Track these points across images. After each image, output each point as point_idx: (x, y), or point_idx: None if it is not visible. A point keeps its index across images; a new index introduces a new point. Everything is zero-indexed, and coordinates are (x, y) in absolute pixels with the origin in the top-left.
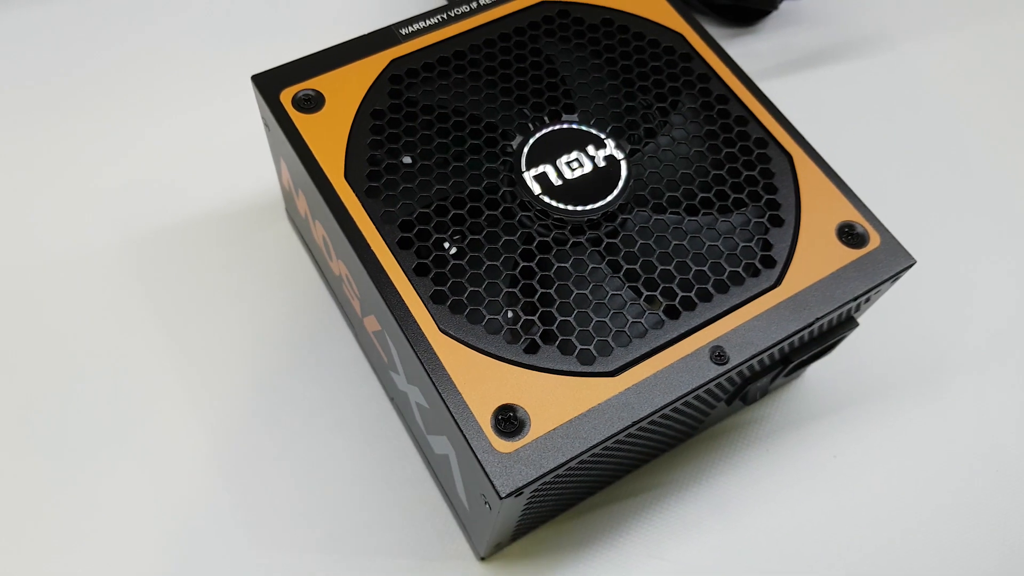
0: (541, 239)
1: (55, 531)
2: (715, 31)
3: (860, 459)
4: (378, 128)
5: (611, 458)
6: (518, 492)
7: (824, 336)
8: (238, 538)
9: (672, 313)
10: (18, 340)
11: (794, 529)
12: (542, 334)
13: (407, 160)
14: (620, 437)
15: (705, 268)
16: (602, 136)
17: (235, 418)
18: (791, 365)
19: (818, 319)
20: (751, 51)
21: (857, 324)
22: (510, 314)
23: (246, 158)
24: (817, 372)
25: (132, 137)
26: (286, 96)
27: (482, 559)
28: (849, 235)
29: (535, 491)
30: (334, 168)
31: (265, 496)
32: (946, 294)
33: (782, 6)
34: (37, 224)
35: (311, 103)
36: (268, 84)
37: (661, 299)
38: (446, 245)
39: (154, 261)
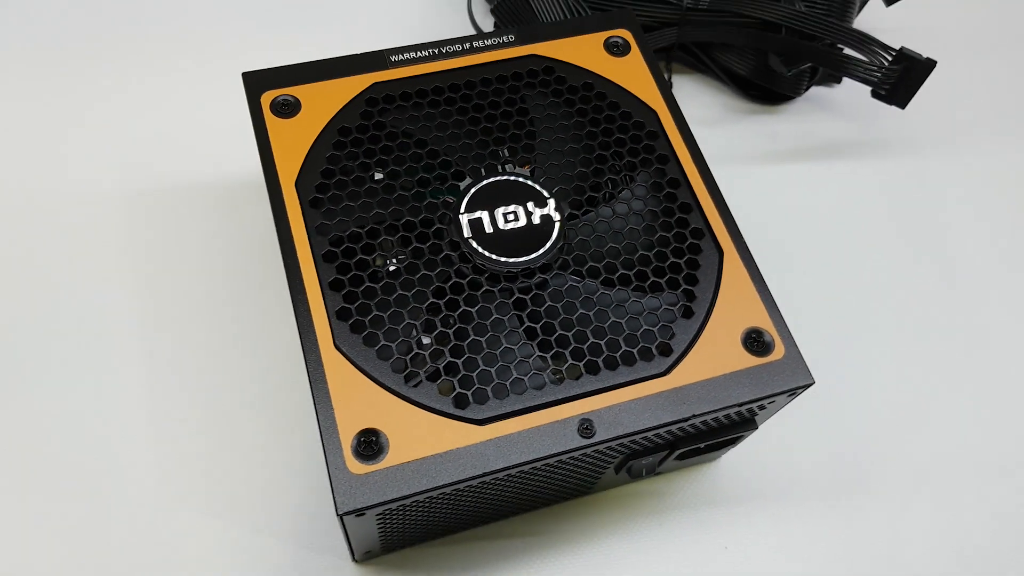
0: (456, 280)
1: None
2: (739, 105)
3: (750, 557)
4: (340, 144)
5: (471, 500)
6: (358, 513)
7: (716, 431)
8: (145, 491)
9: (556, 378)
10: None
11: None
12: (428, 370)
13: (378, 176)
14: (472, 484)
15: (602, 342)
16: (546, 195)
17: (177, 373)
18: (679, 452)
19: (694, 416)
20: (768, 130)
21: (756, 426)
22: (405, 345)
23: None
24: (732, 460)
25: (160, 95)
26: (267, 98)
27: (356, 561)
28: (755, 341)
29: (384, 515)
30: (288, 173)
31: (174, 452)
32: (867, 413)
33: (816, 91)
34: (50, 158)
35: (288, 109)
36: (255, 83)
37: (550, 362)
38: (369, 267)
39: (148, 214)
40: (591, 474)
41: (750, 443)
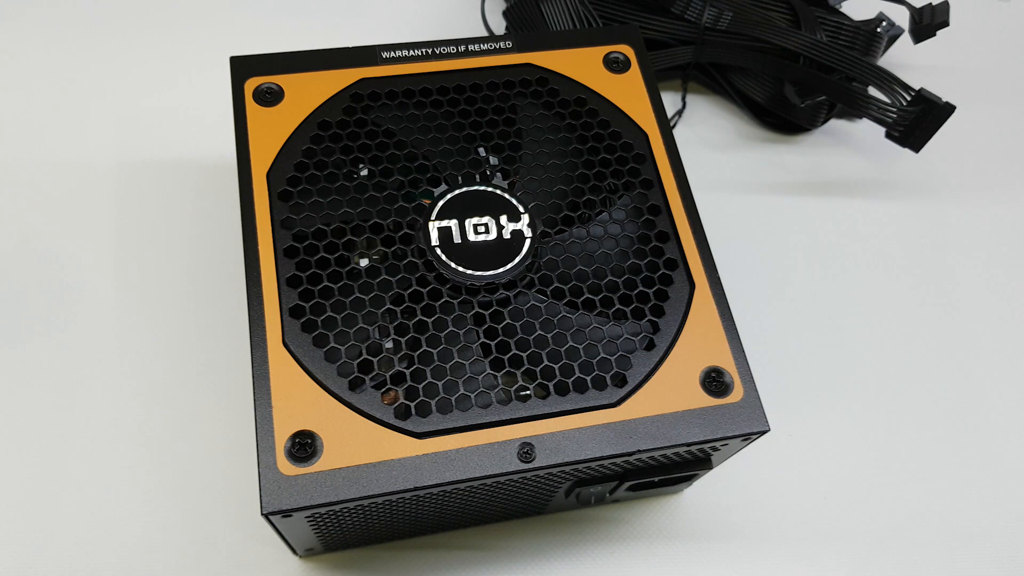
0: (417, 289)
1: None
2: (753, 131)
3: None
4: (318, 138)
5: (411, 511)
6: (284, 514)
7: (668, 467)
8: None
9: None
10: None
11: None
12: (375, 377)
13: (364, 172)
14: (406, 497)
15: (556, 366)
16: (521, 210)
17: (136, 352)
18: (629, 484)
19: (639, 452)
20: (779, 160)
21: (711, 466)
22: (355, 349)
23: None
24: (695, 495)
25: (174, 71)
26: (251, 84)
27: (299, 556)
28: (714, 381)
29: (315, 518)
30: (261, 162)
31: (123, 433)
32: (841, 462)
33: (836, 124)
34: (58, 124)
35: (270, 97)
36: (241, 68)
37: (500, 381)
38: (330, 266)
39: (140, 186)
40: (538, 496)
41: (715, 480)
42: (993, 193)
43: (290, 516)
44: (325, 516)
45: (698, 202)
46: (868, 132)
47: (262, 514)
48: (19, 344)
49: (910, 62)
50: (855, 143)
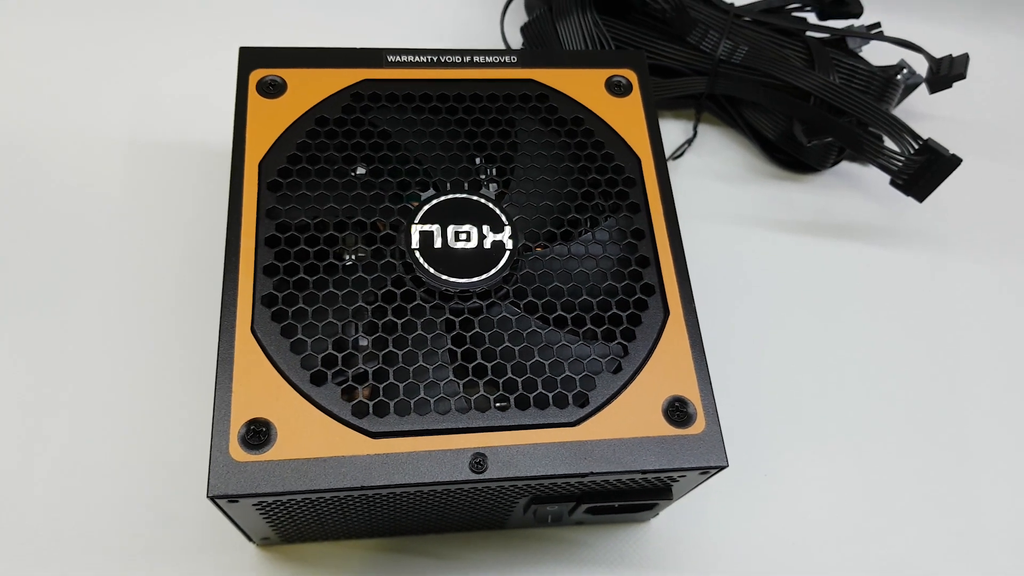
0: (390, 289)
1: None
2: (762, 167)
3: None
4: (314, 133)
5: (364, 510)
6: (231, 499)
7: (626, 494)
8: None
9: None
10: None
11: None
12: (336, 373)
13: (361, 171)
14: (354, 495)
15: (519, 379)
16: (505, 221)
17: (113, 333)
18: (587, 507)
19: (593, 474)
20: (785, 198)
21: (671, 496)
22: (322, 343)
23: None
24: (663, 525)
25: (194, 55)
26: (256, 75)
27: (256, 544)
28: (677, 411)
29: (264, 507)
30: (255, 151)
31: (88, 411)
32: (811, 507)
33: (847, 167)
34: (79, 94)
35: (273, 89)
36: (248, 59)
37: (461, 388)
38: (308, 258)
39: (148, 164)
40: (496, 509)
41: (685, 511)
42: (1000, 251)
43: (236, 502)
44: (274, 506)
45: (698, 232)
46: (878, 177)
47: (208, 496)
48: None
49: (929, 111)
50: (864, 187)
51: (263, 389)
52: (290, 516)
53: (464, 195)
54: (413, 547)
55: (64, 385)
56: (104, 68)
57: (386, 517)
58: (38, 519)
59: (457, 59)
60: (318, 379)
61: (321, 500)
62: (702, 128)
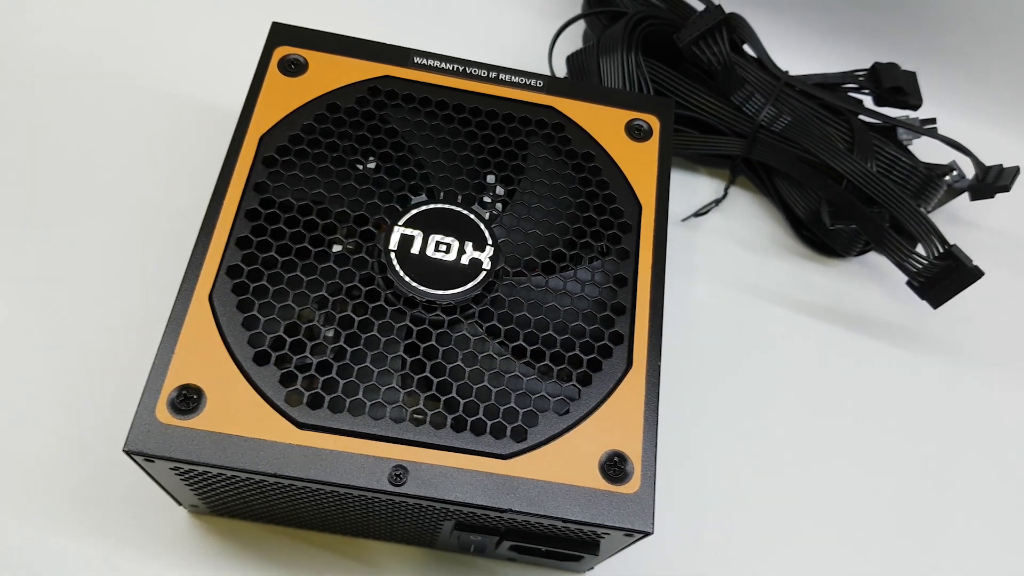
0: (355, 284)
1: None
2: (787, 242)
3: None
4: (322, 118)
5: (284, 500)
6: (146, 458)
7: (551, 539)
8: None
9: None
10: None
11: None
12: (281, 357)
13: (371, 165)
14: (269, 482)
15: (462, 400)
16: (488, 241)
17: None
18: (511, 544)
19: (512, 512)
20: (805, 278)
21: (597, 553)
22: (275, 324)
23: None
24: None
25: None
26: (280, 52)
27: (186, 509)
28: (614, 466)
29: (181, 473)
30: (260, 124)
31: (32, 351)
32: None
33: (874, 259)
34: (114, 43)
35: (294, 68)
36: (277, 35)
37: (402, 397)
38: (283, 238)
39: (168, 117)
40: (420, 526)
41: (632, 566)
42: (1016, 373)
43: (152, 462)
44: (190, 474)
45: (706, 295)
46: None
47: (123, 450)
48: None
49: (974, 219)
50: (888, 283)
51: (204, 357)
52: (211, 488)
53: (455, 207)
54: (340, 547)
55: (29, 311)
56: (141, 18)
57: (313, 512)
58: None
59: (483, 73)
60: (261, 359)
61: (237, 479)
62: (734, 191)
